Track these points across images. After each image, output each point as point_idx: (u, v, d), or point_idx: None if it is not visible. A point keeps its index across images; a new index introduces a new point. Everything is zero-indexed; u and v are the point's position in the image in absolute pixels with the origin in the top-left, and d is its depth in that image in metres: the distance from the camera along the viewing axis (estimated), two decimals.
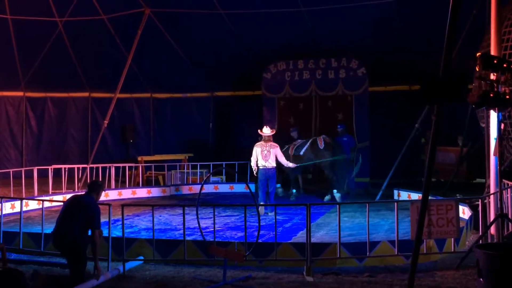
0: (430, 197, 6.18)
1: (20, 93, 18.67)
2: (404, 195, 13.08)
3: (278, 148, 11.96)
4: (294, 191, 14.16)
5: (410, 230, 7.14)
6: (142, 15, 15.58)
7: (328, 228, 9.96)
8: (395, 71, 15.86)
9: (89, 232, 6.64)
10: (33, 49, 17.28)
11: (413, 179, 14.89)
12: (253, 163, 11.99)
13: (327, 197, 13.60)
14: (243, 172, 15.39)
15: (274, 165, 11.83)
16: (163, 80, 18.59)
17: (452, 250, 7.66)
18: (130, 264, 7.43)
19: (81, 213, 6.55)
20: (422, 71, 13.03)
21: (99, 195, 7.00)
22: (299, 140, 14.35)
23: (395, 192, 13.52)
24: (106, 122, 15.87)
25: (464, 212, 10.04)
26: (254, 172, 12.10)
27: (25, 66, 17.76)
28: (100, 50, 17.56)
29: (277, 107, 16.64)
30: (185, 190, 15.35)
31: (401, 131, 14.49)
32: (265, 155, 11.74)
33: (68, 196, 12.89)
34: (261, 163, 11.75)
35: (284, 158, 12.22)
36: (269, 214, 11.06)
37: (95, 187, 7.01)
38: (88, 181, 14.56)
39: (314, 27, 15.68)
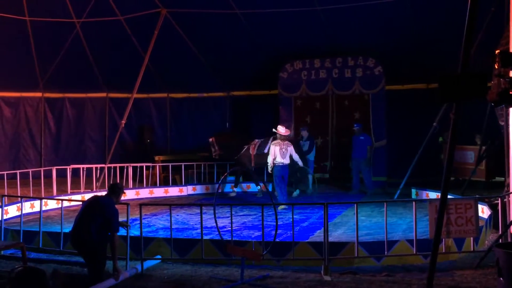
0: (448, 196, 6.13)
1: (39, 94, 18.85)
2: (422, 194, 13.00)
3: (293, 147, 12.56)
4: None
5: (429, 229, 7.10)
6: (158, 15, 15.66)
7: (345, 227, 9.93)
8: (412, 69, 15.76)
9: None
10: (51, 50, 17.43)
11: (431, 178, 14.77)
12: (270, 161, 12.40)
13: (295, 193, 14.17)
14: (260, 172, 15.39)
15: (288, 162, 12.44)
16: (180, 80, 18.64)
17: (471, 250, 7.60)
18: (148, 263, 7.47)
19: (99, 215, 6.59)
20: (440, 69, 12.92)
21: (119, 197, 7.04)
22: (256, 140, 14.71)
23: (413, 191, 13.44)
24: (123, 122, 15.97)
25: (483, 211, 9.96)
26: (269, 169, 12.49)
27: (43, 67, 17.91)
28: (117, 50, 17.66)
29: (293, 106, 16.62)
30: (202, 189, 15.40)
31: (419, 129, 14.38)
32: (283, 153, 12.30)
33: (87, 195, 13.10)
34: (279, 161, 12.28)
35: (297, 155, 12.73)
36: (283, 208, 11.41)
37: (116, 190, 7.04)
38: (106, 180, 14.71)
39: (330, 26, 15.62)
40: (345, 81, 15.87)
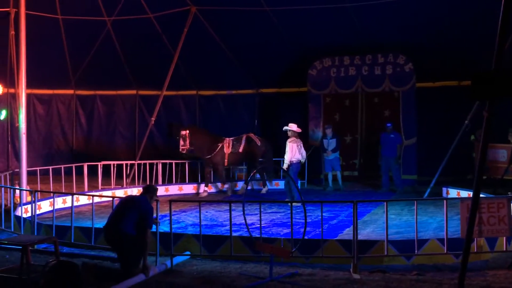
0: (480, 195, 6.04)
1: (71, 91, 19.15)
2: (453, 193, 12.85)
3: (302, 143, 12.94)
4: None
5: (460, 229, 7.01)
6: (188, 13, 15.74)
7: (374, 225, 9.86)
8: (444, 66, 15.54)
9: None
10: (82, 48, 17.66)
11: (462, 177, 14.60)
12: (289, 158, 12.61)
13: (264, 190, 14.65)
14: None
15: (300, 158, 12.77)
16: (209, 77, 18.70)
17: (504, 249, 7.48)
18: (177, 259, 7.53)
19: (134, 211, 6.70)
20: (473, 65, 12.73)
21: (152, 198, 7.17)
22: (228, 138, 14.62)
23: (444, 189, 13.29)
24: (153, 119, 16.11)
25: None
26: (285, 167, 12.61)
27: (75, 65, 18.17)
28: (147, 48, 17.80)
29: (322, 103, 16.55)
30: (231, 186, 15.45)
31: (450, 127, 14.21)
32: (299, 150, 12.64)
33: (117, 191, 13.28)
34: (297, 158, 12.62)
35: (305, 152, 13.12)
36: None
37: (150, 190, 7.22)
38: (136, 177, 14.88)
39: (360, 23, 15.49)
40: (375, 79, 15.73)
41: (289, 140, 12.69)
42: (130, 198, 7.14)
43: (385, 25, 15.28)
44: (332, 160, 15.02)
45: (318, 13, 15.29)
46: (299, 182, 15.11)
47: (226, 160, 14.44)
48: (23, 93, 11.17)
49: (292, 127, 12.79)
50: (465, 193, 12.02)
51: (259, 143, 14.58)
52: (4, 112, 13.80)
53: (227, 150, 14.33)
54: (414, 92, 15.48)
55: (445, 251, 7.26)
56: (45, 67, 17.06)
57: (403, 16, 14.86)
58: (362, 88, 15.97)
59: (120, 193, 13.27)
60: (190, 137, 14.21)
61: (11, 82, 14.67)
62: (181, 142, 14.22)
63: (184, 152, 14.36)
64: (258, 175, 15.14)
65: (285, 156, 12.66)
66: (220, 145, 14.37)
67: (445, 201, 7.70)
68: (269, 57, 17.36)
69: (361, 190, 14.83)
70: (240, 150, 14.33)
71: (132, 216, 6.66)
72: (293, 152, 12.51)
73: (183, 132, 14.22)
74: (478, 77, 5.07)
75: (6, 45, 14.66)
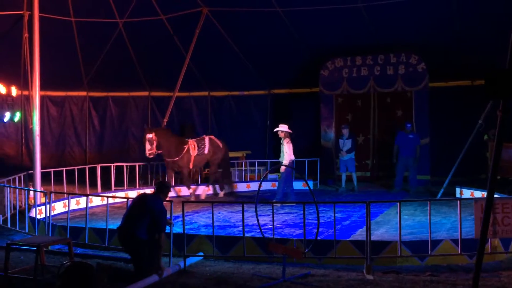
0: (495, 195, 6.00)
1: (83, 93, 19.27)
2: (466, 193, 12.77)
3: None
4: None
5: (474, 229, 6.96)
6: (200, 14, 15.78)
7: (388, 226, 9.82)
8: (457, 65, 15.46)
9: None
10: (95, 50, 17.76)
11: (475, 177, 14.50)
12: (289, 158, 12.52)
13: (219, 192, 14.43)
14: (301, 170, 15.38)
15: None
16: (221, 78, 18.75)
17: None
18: (190, 260, 7.55)
19: (147, 214, 6.68)
20: (486, 65, 12.65)
21: (166, 196, 7.14)
22: (190, 140, 14.07)
23: (457, 190, 13.21)
24: (165, 120, 16.14)
25: None
26: (283, 169, 12.44)
27: (87, 67, 18.28)
28: (159, 49, 17.87)
29: (334, 104, 16.54)
30: (243, 187, 15.46)
31: (463, 127, 14.13)
32: (292, 151, 12.59)
33: (130, 192, 13.33)
34: (292, 159, 12.60)
35: None
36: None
37: (163, 188, 7.14)
38: (149, 178, 14.93)
39: (372, 23, 15.45)
40: (387, 79, 15.69)
41: (286, 140, 12.59)
42: (143, 199, 7.04)
43: (397, 25, 15.22)
44: (346, 160, 14.97)
45: (330, 13, 15.27)
46: (311, 182, 15.16)
47: (191, 163, 13.85)
48: (37, 95, 11.25)
49: (285, 127, 12.73)
50: (479, 193, 11.94)
51: (221, 145, 14.36)
52: (18, 114, 13.91)
53: (193, 152, 13.77)
54: (427, 92, 15.42)
55: (459, 252, 7.22)
56: (58, 69, 17.17)
57: (415, 15, 14.80)
58: (375, 88, 15.94)
59: (133, 194, 13.32)
60: (157, 140, 13.44)
61: (24, 84, 14.76)
62: (148, 146, 13.32)
63: (152, 156, 13.68)
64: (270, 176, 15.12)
65: (285, 156, 12.53)
66: (186, 147, 13.73)
67: (458, 201, 7.65)
68: (281, 58, 17.37)
69: (373, 191, 14.78)
70: (206, 152, 13.94)
71: (145, 220, 6.64)
72: (291, 152, 12.51)
73: (149, 136, 13.34)
74: (492, 76, 5.03)
75: (20, 47, 14.78)
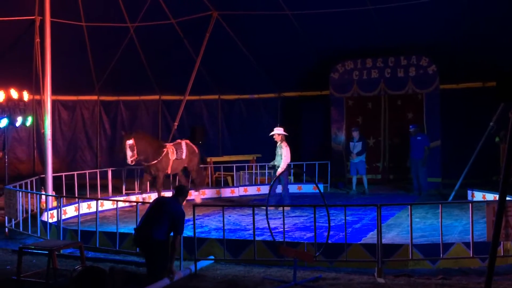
0: (507, 198, 5.96)
1: (95, 97, 19.35)
2: (478, 196, 12.69)
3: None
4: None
5: (486, 232, 6.93)
6: (210, 18, 15.84)
7: (399, 229, 9.78)
8: (467, 67, 15.38)
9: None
10: (106, 54, 17.85)
11: (487, 179, 14.40)
12: (287, 162, 12.25)
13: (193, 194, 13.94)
14: (311, 173, 15.36)
15: None
16: (231, 81, 18.78)
17: None
18: (201, 264, 7.55)
19: (167, 217, 6.72)
20: (497, 66, 12.57)
21: (184, 199, 7.20)
22: (168, 144, 13.62)
23: (469, 192, 13.14)
24: (176, 124, 16.21)
25: None
26: (281, 171, 12.10)
27: (98, 71, 18.37)
28: (170, 53, 17.93)
29: (345, 107, 16.52)
30: (253, 190, 15.46)
31: (474, 129, 14.04)
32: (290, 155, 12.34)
33: (141, 196, 13.35)
34: (288, 162, 12.29)
35: None
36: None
37: (183, 192, 7.21)
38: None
39: (382, 25, 15.41)
40: (398, 81, 15.67)
41: (284, 144, 12.29)
42: (162, 202, 7.07)
43: (408, 27, 15.19)
44: (357, 163, 14.93)
45: (339, 16, 15.26)
46: (321, 185, 15.12)
47: (170, 167, 13.26)
48: (48, 99, 11.30)
49: (281, 130, 12.47)
50: (490, 196, 11.86)
51: (196, 151, 14.02)
52: (30, 119, 13.99)
53: (172, 156, 13.18)
54: (438, 94, 15.37)
55: (471, 255, 7.17)
56: (70, 74, 17.27)
57: (425, 17, 14.76)
58: (385, 91, 15.91)
59: (144, 198, 13.35)
60: (137, 146, 12.65)
61: (36, 89, 14.88)
62: (129, 153, 12.52)
63: (133, 163, 12.87)
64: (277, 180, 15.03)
65: (283, 159, 12.17)
66: (165, 150, 13.16)
67: (470, 204, 7.61)
68: (291, 61, 17.39)
69: (384, 193, 14.73)
70: (184, 156, 13.45)
71: (164, 222, 6.68)
72: (289, 155, 12.25)
73: (130, 142, 12.55)
74: (503, 78, 5.00)
75: (32, 52, 14.90)
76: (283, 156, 12.17)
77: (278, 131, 12.48)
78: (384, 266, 7.01)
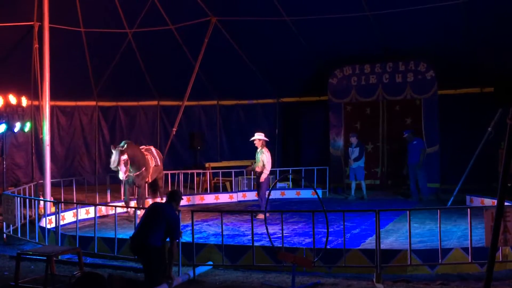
0: (505, 203, 5.96)
1: (93, 103, 19.37)
2: (477, 201, 12.70)
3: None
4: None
5: (485, 237, 6.92)
6: (208, 23, 15.87)
7: (397, 234, 9.78)
8: (466, 73, 15.42)
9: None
10: (104, 60, 17.88)
11: (486, 185, 14.40)
12: (270, 168, 12.06)
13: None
14: (310, 178, 15.35)
15: None
16: (230, 87, 18.80)
17: None
18: (200, 269, 7.54)
19: (163, 223, 6.70)
20: (495, 72, 12.61)
21: (178, 204, 7.17)
22: (143, 147, 12.97)
23: (467, 198, 13.14)
24: (174, 129, 16.22)
25: None
26: (265, 177, 11.95)
27: (97, 77, 18.40)
28: (168, 59, 17.96)
29: (343, 112, 16.54)
30: (252, 196, 15.44)
31: (473, 135, 14.06)
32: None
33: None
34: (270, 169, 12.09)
35: None
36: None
37: (176, 197, 7.17)
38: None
39: (381, 31, 15.45)
40: (396, 86, 15.69)
41: (265, 149, 12.07)
42: (156, 208, 7.07)
43: (406, 32, 15.23)
44: (355, 169, 14.92)
45: (338, 22, 15.29)
46: (320, 191, 15.12)
47: (150, 175, 12.44)
48: (47, 105, 11.32)
49: (262, 135, 12.25)
50: (489, 201, 11.86)
51: (162, 156, 13.47)
52: (28, 124, 13.99)
53: (152, 163, 12.43)
54: (436, 99, 15.40)
55: (470, 260, 7.17)
56: (68, 79, 17.29)
57: (424, 23, 14.80)
58: (383, 96, 15.94)
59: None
60: (130, 160, 11.68)
61: (35, 94, 14.89)
62: (123, 168, 11.55)
63: (126, 178, 11.78)
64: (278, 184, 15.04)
65: (266, 165, 11.90)
66: (148, 157, 12.40)
67: (469, 209, 7.62)
68: (290, 66, 17.42)
69: (383, 199, 14.72)
70: (159, 163, 12.79)
71: (159, 229, 6.66)
72: (270, 161, 12.02)
73: (124, 158, 11.54)
74: (501, 83, 5.02)
75: (30, 58, 14.92)
76: (265, 162, 11.93)
77: (258, 136, 12.25)
78: (382, 272, 7.01)
